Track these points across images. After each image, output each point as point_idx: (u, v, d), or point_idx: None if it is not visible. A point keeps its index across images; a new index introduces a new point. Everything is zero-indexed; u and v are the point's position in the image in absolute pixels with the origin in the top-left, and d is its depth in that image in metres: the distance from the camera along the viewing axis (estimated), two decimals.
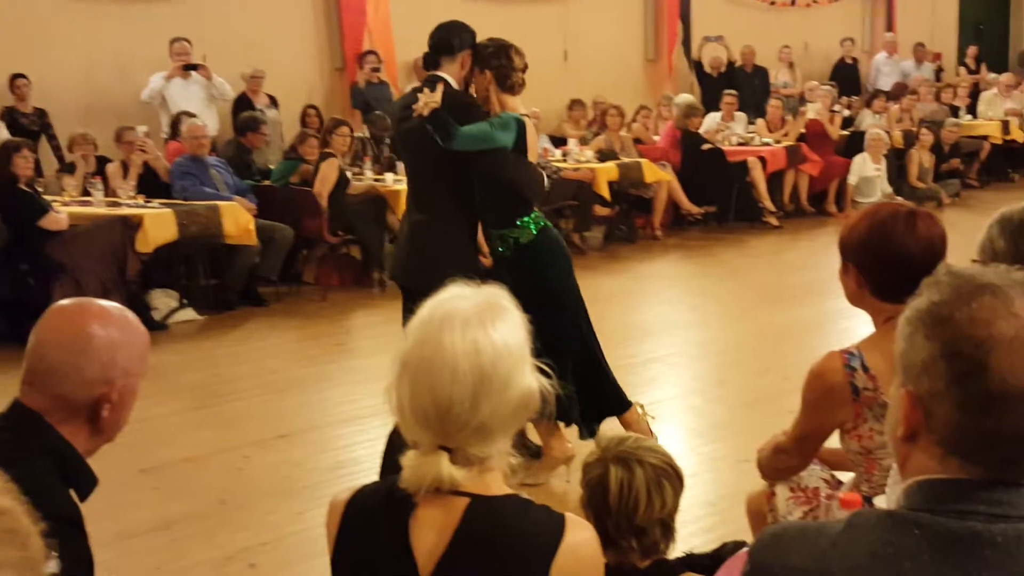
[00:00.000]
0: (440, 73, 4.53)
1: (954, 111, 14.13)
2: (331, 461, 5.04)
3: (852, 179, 11.82)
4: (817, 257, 9.24)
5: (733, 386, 6.04)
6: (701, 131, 11.61)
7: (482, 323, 1.67)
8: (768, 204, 11.32)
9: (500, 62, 4.58)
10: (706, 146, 11.21)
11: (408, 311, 4.21)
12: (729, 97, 12.27)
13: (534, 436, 4.73)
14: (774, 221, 11.27)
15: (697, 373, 6.42)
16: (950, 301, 1.29)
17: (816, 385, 2.54)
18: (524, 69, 4.68)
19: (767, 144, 11.67)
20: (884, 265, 2.45)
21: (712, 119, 12.13)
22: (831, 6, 15.99)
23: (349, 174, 8.83)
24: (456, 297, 1.72)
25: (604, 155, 10.62)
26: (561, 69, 12.92)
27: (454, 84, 4.54)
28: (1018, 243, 2.30)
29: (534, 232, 4.66)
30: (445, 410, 1.65)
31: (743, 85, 13.51)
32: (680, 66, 14.17)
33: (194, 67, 9.65)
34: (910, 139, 12.58)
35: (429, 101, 4.38)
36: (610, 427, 4.85)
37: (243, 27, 10.56)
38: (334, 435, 5.41)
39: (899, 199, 11.66)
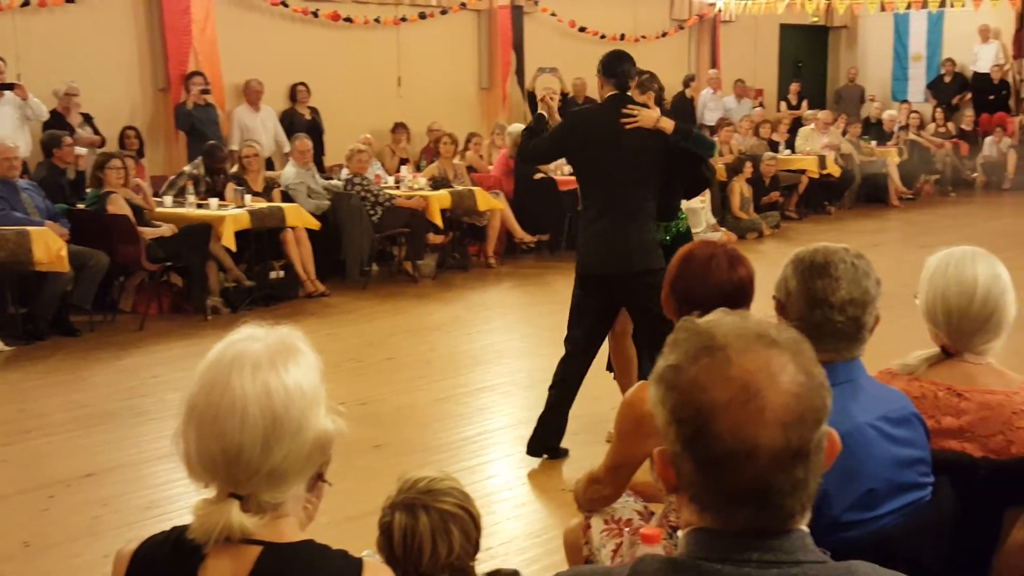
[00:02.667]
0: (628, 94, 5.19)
1: (774, 146, 14.68)
2: (144, 500, 4.80)
3: None
4: None
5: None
6: None
7: (273, 365, 1.59)
8: None
9: (657, 86, 5.70)
10: (538, 175, 11.30)
11: (587, 299, 5.29)
12: None
13: None
14: None
15: (527, 402, 6.38)
16: (677, 365, 1.32)
17: (627, 414, 2.59)
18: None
19: None
20: (686, 303, 2.57)
21: None
22: (659, 42, 16.44)
23: (169, 199, 8.53)
24: (247, 339, 1.64)
25: (437, 183, 10.57)
26: (394, 95, 12.85)
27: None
28: (808, 283, 2.33)
29: (686, 222, 5.85)
30: (234, 456, 1.56)
31: None
32: (514, 95, 14.29)
33: (9, 86, 9.19)
34: (733, 171, 12.98)
35: (657, 117, 5.02)
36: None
37: (62, 46, 10.13)
38: (148, 473, 5.15)
39: (723, 229, 12.05)
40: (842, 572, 1.32)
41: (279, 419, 1.57)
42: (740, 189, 12.79)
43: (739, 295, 2.61)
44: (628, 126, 4.98)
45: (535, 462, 5.33)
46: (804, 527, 1.34)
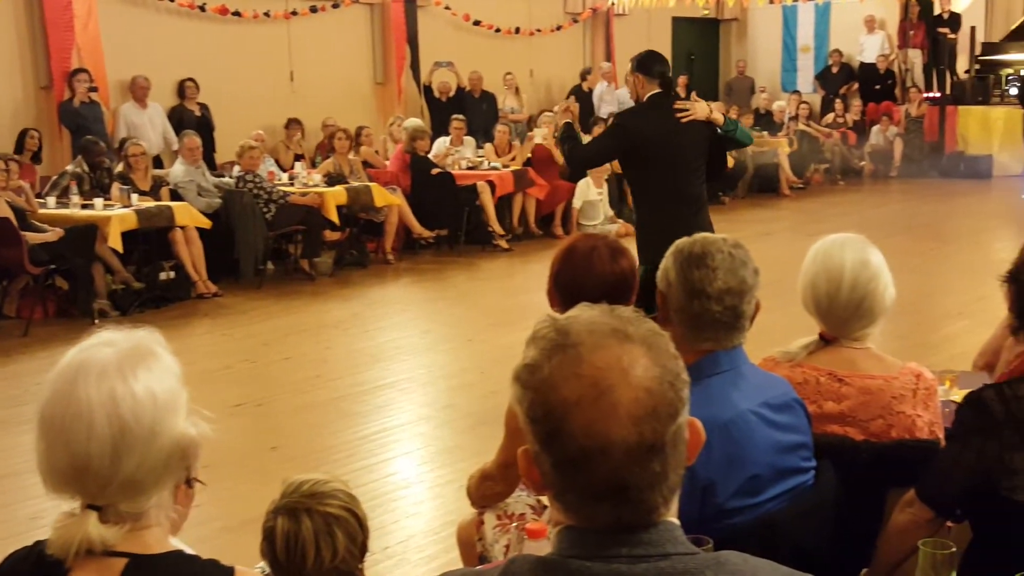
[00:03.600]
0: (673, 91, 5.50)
1: None
2: (30, 511, 4.63)
3: (576, 203, 12.17)
4: (545, 279, 9.42)
5: (460, 410, 6.01)
6: (431, 155, 11.65)
7: (121, 372, 1.54)
8: (497, 227, 11.48)
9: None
10: (435, 170, 11.25)
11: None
12: (457, 122, 12.37)
13: None
14: (504, 244, 11.42)
15: (427, 399, 6.35)
16: (532, 363, 1.31)
17: (514, 411, 2.54)
18: None
19: (495, 168, 11.84)
20: (570, 296, 2.56)
21: (441, 143, 12.19)
22: (554, 35, 16.51)
23: (52, 200, 8.25)
24: (98, 344, 1.59)
25: (333, 179, 10.44)
26: (287, 90, 12.66)
27: None
28: (686, 274, 2.35)
29: None
30: (83, 467, 1.51)
31: (472, 110, 13.71)
32: (409, 89, 14.20)
33: None
34: None
35: (709, 109, 5.35)
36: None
37: None
38: (33, 482, 4.93)
39: (620, 221, 12.15)
40: (711, 563, 1.31)
41: (128, 427, 1.52)
42: None
43: (621, 287, 2.62)
44: (684, 119, 5.27)
45: (435, 459, 5.31)
46: (672, 519, 1.34)
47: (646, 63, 5.45)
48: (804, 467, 2.38)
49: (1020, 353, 2.37)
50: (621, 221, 12.27)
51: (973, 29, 17.35)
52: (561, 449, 1.28)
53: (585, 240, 2.71)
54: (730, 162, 14.63)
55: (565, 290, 2.66)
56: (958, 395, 2.93)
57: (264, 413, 6.01)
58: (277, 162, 11.41)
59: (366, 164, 11.42)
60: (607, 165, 12.22)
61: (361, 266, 10.48)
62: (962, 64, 17.61)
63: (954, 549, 1.94)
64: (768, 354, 2.76)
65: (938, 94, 17.12)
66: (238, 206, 9.48)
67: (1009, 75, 16.92)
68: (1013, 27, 17.56)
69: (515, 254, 11.27)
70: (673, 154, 5.33)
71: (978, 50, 17.42)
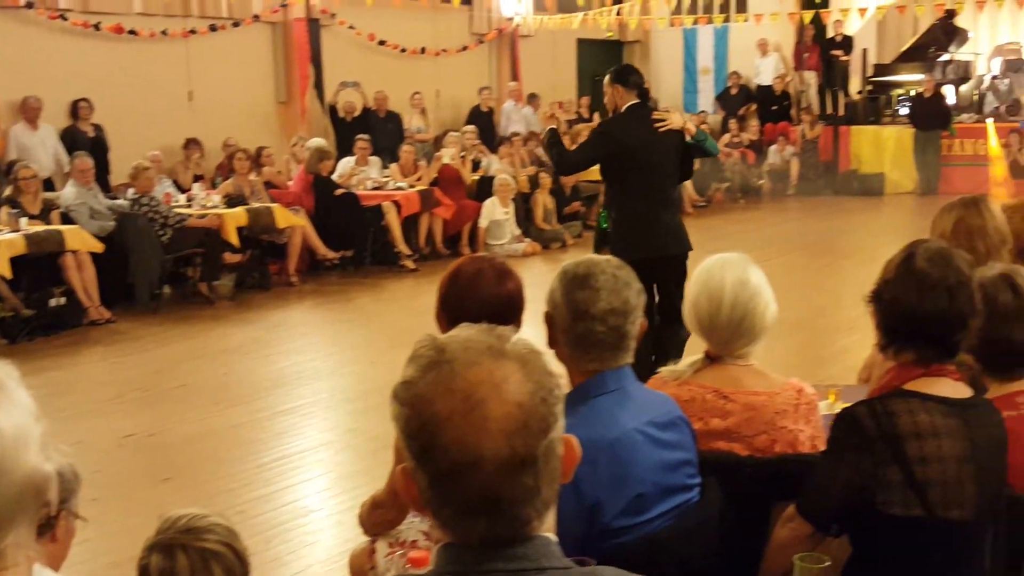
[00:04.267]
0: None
1: None
2: None
3: (483, 222, 12.18)
4: None
5: (363, 434, 5.94)
6: (336, 175, 11.57)
7: None
8: (403, 248, 11.42)
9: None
10: (339, 191, 11.16)
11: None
12: (363, 142, 12.30)
13: None
14: (410, 264, 11.37)
15: (328, 424, 6.27)
16: (408, 380, 1.34)
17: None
18: None
19: (401, 188, 11.79)
20: (456, 318, 2.52)
21: (346, 163, 12.11)
22: (460, 55, 16.54)
23: None
24: None
25: (233, 200, 10.27)
26: (186, 110, 12.44)
27: None
28: (571, 295, 2.37)
29: None
30: None
31: (377, 130, 13.64)
32: (314, 109, 14.08)
33: None
34: (535, 183, 13.16)
35: (683, 119, 5.89)
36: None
37: None
38: None
39: (527, 240, 12.20)
40: None
41: None
42: (543, 200, 12.98)
43: (508, 309, 2.62)
44: (661, 128, 5.71)
45: (335, 485, 5.24)
46: (547, 534, 1.36)
47: (624, 75, 5.87)
48: (689, 484, 2.41)
49: (890, 370, 2.42)
50: (528, 240, 12.32)
51: (865, 51, 17.86)
52: (435, 464, 1.30)
53: (471, 263, 2.71)
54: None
55: (451, 313, 2.65)
56: (843, 407, 2.98)
57: (156, 443, 5.85)
58: (176, 183, 11.19)
59: (268, 185, 11.26)
60: (512, 184, 12.34)
61: (263, 289, 10.32)
62: (855, 85, 18.12)
63: (828, 563, 1.98)
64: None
65: (832, 114, 17.56)
66: (133, 229, 9.26)
67: (900, 95, 17.45)
68: (903, 49, 18.14)
69: (422, 274, 11.21)
70: (653, 160, 5.77)
71: (870, 71, 17.94)
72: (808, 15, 16.54)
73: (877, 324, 2.43)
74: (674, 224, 5.95)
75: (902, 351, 2.38)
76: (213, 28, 12.78)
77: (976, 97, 17.45)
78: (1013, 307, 2.59)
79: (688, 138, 5.77)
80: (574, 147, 6.31)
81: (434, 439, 1.29)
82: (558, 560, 1.35)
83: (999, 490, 2.38)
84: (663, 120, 5.74)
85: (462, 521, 1.33)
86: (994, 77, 17.29)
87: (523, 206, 12.77)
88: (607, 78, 5.90)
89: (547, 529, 1.37)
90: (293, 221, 10.45)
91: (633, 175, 5.77)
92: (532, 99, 16.62)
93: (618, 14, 16.83)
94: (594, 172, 14.53)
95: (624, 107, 5.80)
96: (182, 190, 10.88)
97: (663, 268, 5.74)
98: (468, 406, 1.29)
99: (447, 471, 1.29)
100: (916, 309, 2.33)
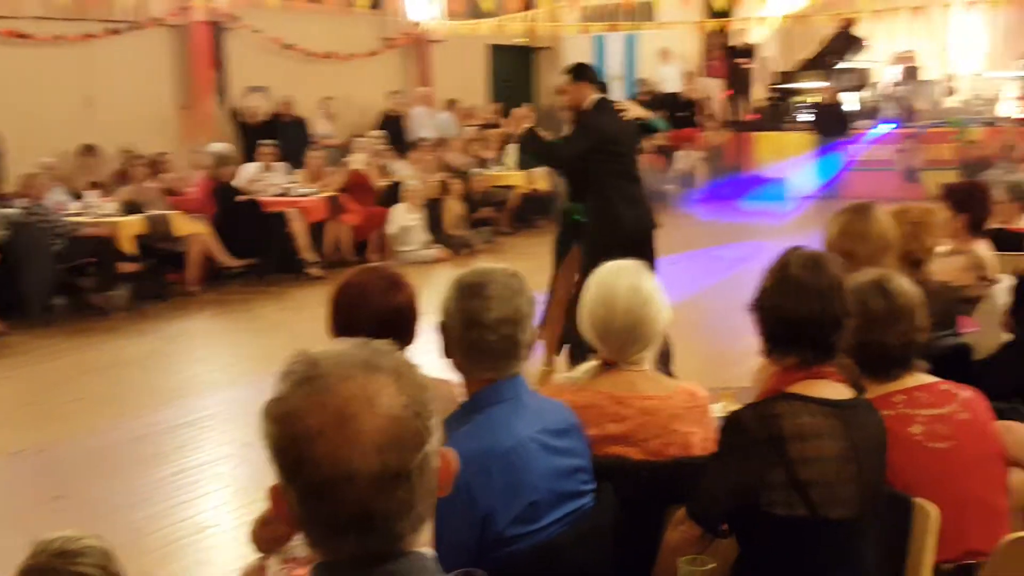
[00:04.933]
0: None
1: (485, 163, 14.96)
2: None
3: (392, 228, 12.08)
4: None
5: (263, 447, 5.80)
6: (240, 182, 11.35)
7: None
8: (309, 255, 11.26)
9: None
10: (242, 197, 10.95)
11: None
12: (267, 147, 12.10)
13: None
14: (316, 272, 11.21)
15: (228, 436, 6.13)
16: (279, 396, 1.32)
17: None
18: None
19: (307, 195, 11.63)
20: (347, 331, 2.59)
21: (251, 169, 11.90)
22: (370, 60, 16.41)
23: None
24: None
25: (129, 208, 9.99)
26: (83, 115, 12.11)
27: None
28: (463, 304, 2.36)
29: None
30: None
31: (283, 135, 13.44)
32: (217, 114, 13.82)
33: None
34: (445, 189, 13.10)
35: (640, 109, 6.69)
36: None
37: None
38: None
39: (437, 246, 12.14)
40: None
41: None
42: (452, 206, 12.93)
43: (398, 320, 2.60)
44: (626, 117, 6.36)
45: (234, 499, 5.12)
46: (423, 549, 1.35)
47: (586, 73, 6.40)
48: (583, 490, 2.41)
49: (773, 373, 2.48)
50: (438, 246, 12.25)
51: (767, 59, 18.22)
52: (306, 480, 1.28)
53: (361, 274, 2.69)
54: (546, 187, 14.91)
55: (342, 325, 2.62)
56: None
57: (47, 460, 5.66)
58: (72, 190, 10.86)
59: (168, 192, 11.00)
60: (422, 190, 12.26)
61: (161, 299, 10.02)
62: (758, 92, 18.47)
63: (713, 565, 1.99)
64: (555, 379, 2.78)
65: (737, 120, 17.88)
66: (24, 238, 8.93)
67: (801, 102, 17.89)
68: (804, 58, 18.56)
69: (328, 282, 11.01)
70: (627, 145, 6.46)
71: (773, 79, 18.30)
72: (713, 23, 16.80)
73: (759, 331, 2.52)
74: (645, 197, 6.66)
75: (784, 355, 2.46)
76: (111, 32, 12.47)
77: (874, 104, 17.95)
78: (884, 311, 2.69)
79: (641, 122, 6.52)
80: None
81: (305, 454, 1.27)
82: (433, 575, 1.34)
83: (879, 488, 2.45)
84: (624, 109, 6.44)
85: (333, 538, 1.31)
86: (891, 85, 17.82)
87: (433, 212, 12.70)
88: (567, 77, 6.32)
89: (422, 544, 1.35)
90: (193, 229, 10.22)
91: (616, 161, 6.31)
92: (451, 105, 16.56)
93: (528, 19, 16.88)
94: (506, 177, 14.55)
95: (589, 101, 6.23)
96: (77, 197, 10.57)
97: (650, 241, 6.35)
98: (340, 420, 1.27)
99: (318, 487, 1.27)
100: (793, 314, 2.41)
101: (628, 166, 6.45)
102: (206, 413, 6.52)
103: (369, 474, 1.27)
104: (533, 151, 6.54)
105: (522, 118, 6.51)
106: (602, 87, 6.45)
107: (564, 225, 6.69)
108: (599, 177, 6.34)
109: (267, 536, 2.77)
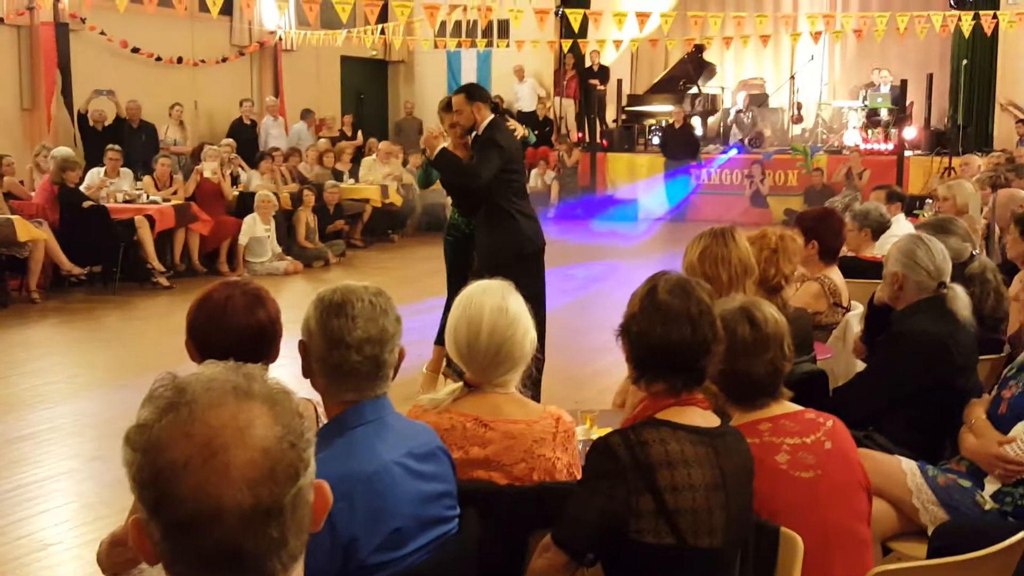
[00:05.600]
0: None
1: (338, 175, 14.84)
2: None
3: (243, 239, 11.87)
4: None
5: (109, 462, 5.61)
6: (83, 187, 10.97)
7: None
8: (156, 264, 10.97)
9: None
10: (87, 203, 10.59)
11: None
12: (113, 152, 11.73)
13: None
14: (164, 281, 10.93)
15: (70, 450, 5.91)
16: (143, 424, 1.22)
17: None
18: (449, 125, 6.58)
19: (155, 202, 11.32)
20: (206, 349, 2.52)
21: (95, 174, 11.51)
22: (220, 66, 16.09)
23: None
24: None
25: None
26: None
27: None
28: (326, 323, 2.31)
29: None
30: None
31: (130, 141, 13.06)
32: (61, 117, 13.33)
33: None
34: (297, 200, 12.95)
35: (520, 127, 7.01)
36: None
37: None
38: None
39: (288, 258, 11.97)
40: None
41: None
42: (305, 218, 12.78)
43: (259, 339, 2.52)
44: (517, 135, 6.65)
45: (76, 516, 4.92)
46: None
47: (482, 94, 6.55)
48: (448, 516, 2.38)
49: (642, 399, 2.48)
50: (290, 258, 12.09)
51: (620, 81, 18.62)
52: (170, 515, 1.19)
53: (222, 288, 2.59)
54: (399, 201, 14.88)
55: (200, 342, 2.53)
56: (599, 433, 3.05)
57: None
58: None
59: (9, 196, 10.55)
60: (274, 201, 12.09)
61: (2, 306, 9.64)
62: (611, 113, 18.84)
63: None
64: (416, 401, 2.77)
65: (590, 140, 18.18)
66: None
67: (652, 125, 18.32)
68: (655, 81, 19.03)
69: (177, 292, 10.79)
70: (521, 162, 6.76)
71: (625, 101, 18.71)
72: (567, 44, 17.08)
73: (627, 356, 2.48)
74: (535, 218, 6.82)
75: (653, 381, 2.44)
76: None
77: (722, 129, 18.51)
78: (751, 340, 2.69)
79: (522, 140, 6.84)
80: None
81: (169, 488, 1.19)
82: None
83: (747, 517, 2.45)
84: (514, 128, 6.75)
85: (192, 572, 1.23)
86: (739, 111, 18.40)
87: (285, 223, 12.53)
88: (461, 97, 6.41)
89: None
90: (35, 234, 9.83)
91: (513, 178, 6.48)
92: (306, 115, 16.35)
93: (382, 33, 16.83)
94: (359, 190, 14.45)
95: (485, 121, 6.33)
96: None
97: (542, 256, 6.61)
98: (208, 452, 1.19)
99: (183, 523, 1.19)
100: (662, 340, 2.39)
101: (521, 183, 6.68)
102: (46, 426, 6.27)
103: (239, 510, 1.20)
104: (451, 171, 6.42)
105: (434, 137, 6.41)
106: (494, 107, 6.58)
107: (458, 238, 6.76)
108: (499, 194, 6.40)
109: (115, 558, 2.67)
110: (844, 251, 5.78)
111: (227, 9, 14.90)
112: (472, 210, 6.58)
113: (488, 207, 6.43)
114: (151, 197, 11.45)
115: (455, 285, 6.58)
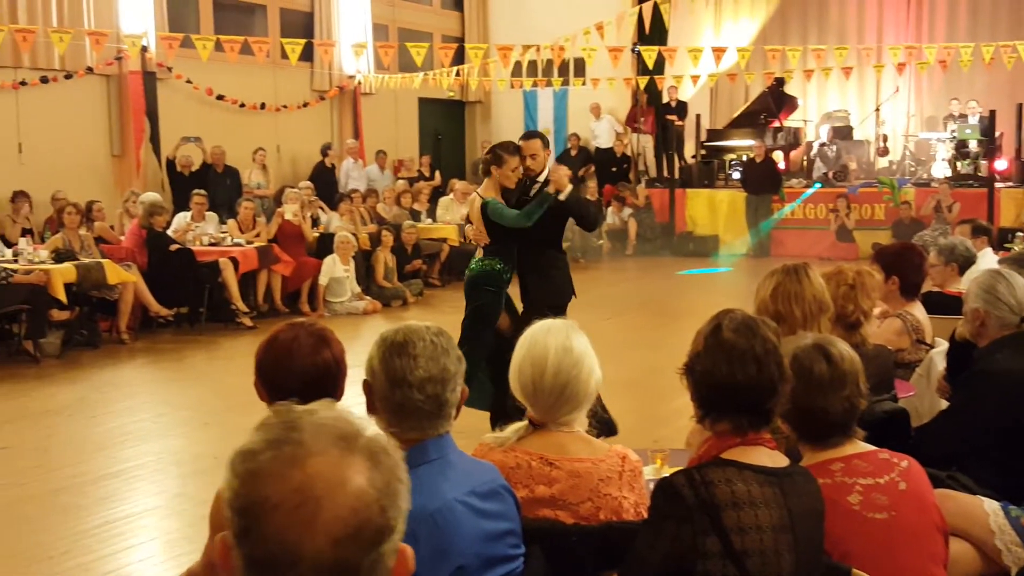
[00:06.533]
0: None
1: (416, 215, 15.01)
2: None
3: (323, 279, 12.05)
4: None
5: (192, 499, 5.72)
6: (170, 231, 11.27)
7: None
8: (240, 305, 11.18)
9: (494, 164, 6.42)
10: (174, 246, 10.87)
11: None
12: (200, 197, 12.04)
13: None
14: (247, 322, 11.13)
15: (155, 488, 6.03)
16: (250, 450, 1.22)
17: (218, 508, 2.44)
18: (515, 168, 6.41)
19: (239, 245, 11.57)
20: (274, 388, 2.56)
21: (182, 218, 11.83)
22: (301, 111, 16.43)
23: None
24: None
25: (61, 255, 9.88)
26: (15, 162, 11.97)
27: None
28: (388, 363, 2.34)
29: (477, 268, 6.55)
30: None
31: (215, 185, 13.39)
32: (150, 163, 13.73)
33: None
34: (376, 240, 13.12)
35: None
36: None
37: None
38: None
39: (367, 298, 12.11)
40: None
41: None
42: (384, 258, 12.93)
43: (325, 378, 2.56)
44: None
45: (159, 552, 5.02)
46: None
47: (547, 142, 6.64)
48: (512, 555, 2.38)
49: (707, 439, 2.44)
50: (368, 298, 12.23)
51: (699, 117, 18.54)
52: (251, 549, 1.19)
53: (288, 329, 2.64)
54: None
55: (269, 382, 2.58)
56: (668, 472, 3.03)
57: None
58: (3, 237, 10.71)
59: (100, 240, 10.89)
60: (353, 242, 12.26)
61: (92, 347, 9.92)
62: (689, 149, 18.75)
63: None
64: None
65: (668, 177, 18.11)
66: None
67: (732, 160, 18.15)
68: (735, 115, 18.91)
69: (259, 332, 10.97)
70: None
71: (703, 136, 18.62)
72: (643, 80, 17.09)
73: (692, 395, 2.46)
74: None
75: (718, 421, 2.41)
76: (44, 80, 12.38)
77: (805, 163, 18.26)
78: (828, 377, 2.63)
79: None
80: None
81: (256, 524, 1.19)
82: None
83: (816, 559, 2.40)
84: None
85: None
86: (822, 144, 18.14)
87: (364, 263, 12.70)
88: (539, 143, 6.47)
89: None
90: (125, 277, 10.12)
91: (561, 226, 6.51)
92: (379, 156, 16.63)
93: (457, 74, 17.04)
94: (437, 230, 14.56)
95: (547, 169, 6.40)
96: (8, 244, 10.42)
97: (566, 307, 6.51)
98: (299, 499, 1.18)
99: (260, 561, 1.19)
100: (726, 379, 2.36)
101: (562, 232, 6.66)
102: (133, 464, 6.41)
103: (316, 563, 1.18)
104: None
105: (562, 175, 6.33)
106: (487, 171, 6.60)
107: (501, 289, 6.55)
108: (556, 242, 6.56)
109: None
110: (929, 286, 5.64)
111: (307, 56, 15.26)
112: (512, 258, 6.50)
113: (545, 254, 6.48)
114: (235, 240, 11.71)
115: (485, 339, 6.41)
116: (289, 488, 1.19)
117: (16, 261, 9.74)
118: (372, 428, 1.27)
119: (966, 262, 6.14)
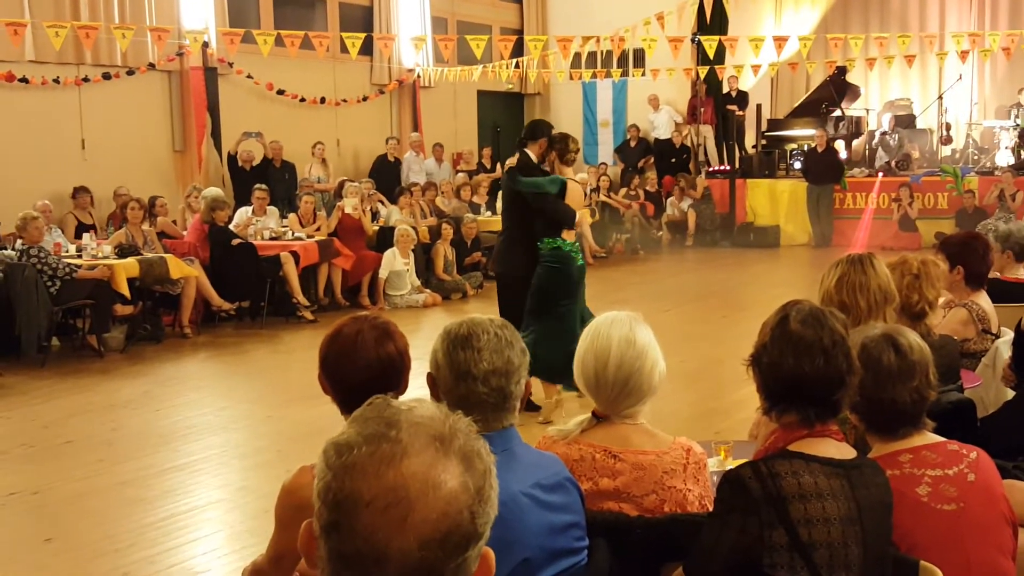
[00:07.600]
0: (525, 150, 7.18)
1: (475, 208, 15.02)
2: None
3: (383, 273, 12.10)
4: None
5: (254, 492, 5.78)
6: (232, 225, 11.39)
7: None
8: (301, 299, 11.27)
9: (561, 146, 7.10)
10: (236, 241, 10.99)
11: (500, 294, 7.38)
12: (261, 191, 12.15)
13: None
14: (308, 315, 11.22)
15: (219, 481, 6.09)
16: (346, 442, 1.22)
17: (286, 502, 2.46)
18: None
19: (300, 239, 11.67)
20: (338, 382, 2.56)
21: (243, 213, 11.95)
22: (361, 105, 16.52)
23: None
24: None
25: (124, 250, 10.03)
26: (78, 158, 12.17)
27: (532, 157, 7.17)
28: (452, 356, 2.34)
29: (549, 247, 7.02)
30: None
31: (275, 179, 13.51)
32: (211, 158, 13.89)
33: None
34: (436, 234, 13.15)
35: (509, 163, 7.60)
36: None
37: None
38: None
39: (427, 291, 12.15)
40: None
41: None
42: (443, 251, 12.96)
43: (389, 372, 2.56)
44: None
45: (225, 545, 5.07)
46: None
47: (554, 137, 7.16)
48: (577, 547, 2.37)
49: (774, 431, 2.42)
50: (428, 291, 12.27)
51: (759, 106, 18.34)
52: (338, 543, 1.19)
53: (352, 323, 2.65)
54: None
55: (332, 375, 2.58)
56: (732, 464, 2.99)
57: (39, 502, 5.63)
58: (64, 232, 10.90)
59: (162, 235, 11.04)
60: (413, 235, 12.30)
61: (155, 341, 10.07)
62: (750, 139, 18.56)
63: None
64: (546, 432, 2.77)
65: (728, 167, 17.93)
66: (20, 280, 8.96)
67: (793, 150, 17.93)
68: (796, 105, 18.68)
69: (320, 325, 11.05)
70: (503, 193, 7.46)
71: (764, 126, 18.41)
72: (703, 70, 16.94)
73: (758, 387, 2.43)
74: (505, 247, 7.48)
75: (784, 413, 2.38)
76: (107, 76, 12.57)
77: (867, 152, 18.00)
78: (897, 368, 2.60)
79: None
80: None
81: (346, 519, 1.19)
82: None
83: (884, 551, 2.37)
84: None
85: None
86: (884, 133, 17.86)
87: (423, 256, 12.74)
88: (544, 140, 7.11)
89: None
90: (187, 272, 10.24)
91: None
92: (436, 149, 16.67)
93: (517, 66, 17.01)
94: (496, 222, 14.61)
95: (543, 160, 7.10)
96: (74, 239, 10.61)
97: None
98: (392, 498, 1.18)
99: (346, 556, 1.19)
100: (794, 371, 2.33)
101: (503, 212, 7.54)
102: (197, 457, 6.48)
103: (402, 564, 1.18)
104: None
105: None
106: (522, 143, 7.24)
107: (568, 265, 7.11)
108: (551, 224, 7.06)
109: None
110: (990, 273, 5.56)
111: (366, 50, 15.32)
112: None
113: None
114: (296, 234, 11.80)
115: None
116: (383, 487, 1.18)
117: (80, 256, 9.90)
118: (468, 430, 1.27)
119: (1023, 250, 6.06)
